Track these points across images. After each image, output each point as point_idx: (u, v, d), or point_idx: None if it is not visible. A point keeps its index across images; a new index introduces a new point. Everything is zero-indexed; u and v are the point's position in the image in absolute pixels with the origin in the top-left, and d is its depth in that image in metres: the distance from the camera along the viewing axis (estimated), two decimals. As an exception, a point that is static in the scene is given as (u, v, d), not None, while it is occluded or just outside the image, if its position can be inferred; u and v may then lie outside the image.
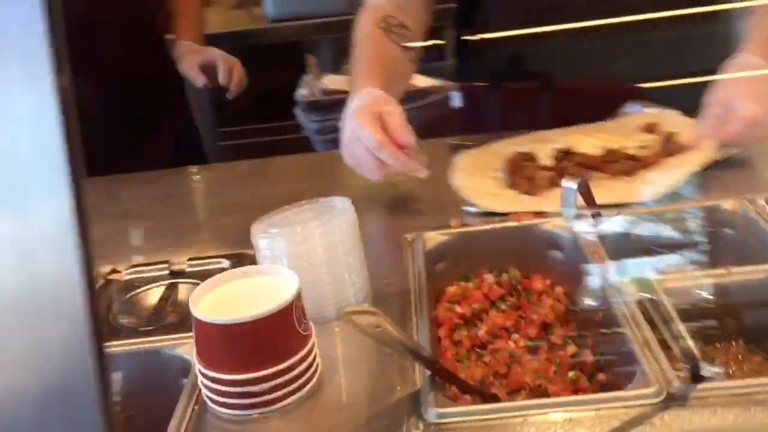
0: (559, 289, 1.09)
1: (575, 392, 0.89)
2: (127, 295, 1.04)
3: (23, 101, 0.28)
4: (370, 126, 1.12)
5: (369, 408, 0.75)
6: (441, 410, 0.72)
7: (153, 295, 1.04)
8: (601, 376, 0.91)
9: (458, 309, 1.07)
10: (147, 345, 0.89)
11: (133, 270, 1.10)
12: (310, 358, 0.77)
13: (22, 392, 0.35)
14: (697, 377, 0.71)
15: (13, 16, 0.27)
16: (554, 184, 1.18)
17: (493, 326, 1.05)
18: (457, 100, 1.59)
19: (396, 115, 1.14)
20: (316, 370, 0.79)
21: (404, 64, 1.38)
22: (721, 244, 1.08)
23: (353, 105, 1.19)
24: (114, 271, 1.10)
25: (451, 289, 1.10)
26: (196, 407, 0.78)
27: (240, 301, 0.78)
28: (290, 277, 0.79)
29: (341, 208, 0.94)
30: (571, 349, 0.99)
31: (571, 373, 0.93)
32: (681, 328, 0.69)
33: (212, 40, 2.85)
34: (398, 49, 1.36)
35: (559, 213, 1.02)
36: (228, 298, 0.78)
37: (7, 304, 0.33)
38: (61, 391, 0.33)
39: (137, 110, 1.78)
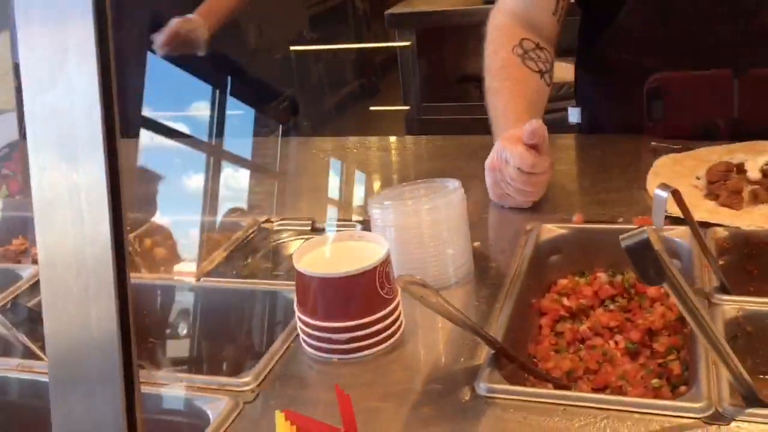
0: (672, 300, 1.08)
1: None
2: (272, 244, 1.21)
3: (79, 74, 0.40)
4: (515, 145, 1.14)
5: (431, 372, 0.83)
6: (491, 385, 0.78)
7: (292, 246, 1.19)
8: (684, 389, 0.90)
9: (565, 301, 1.10)
10: (271, 287, 1.04)
11: (282, 222, 1.26)
12: (390, 320, 0.87)
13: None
14: (749, 401, 0.70)
15: (72, 17, 0.40)
16: (760, 200, 1.12)
17: (597, 324, 1.06)
18: (575, 115, 1.55)
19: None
20: (395, 331, 0.88)
21: (542, 90, 1.35)
22: None
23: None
24: (268, 220, 1.27)
25: (563, 282, 1.13)
26: (292, 344, 0.91)
27: (337, 260, 0.89)
28: (383, 245, 0.89)
29: (452, 188, 1.01)
30: (672, 358, 0.99)
31: (654, 381, 0.93)
32: (730, 352, 0.68)
33: (425, 16, 3.08)
34: (536, 76, 1.34)
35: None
36: (329, 256, 0.90)
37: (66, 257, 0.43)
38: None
39: None
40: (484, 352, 0.84)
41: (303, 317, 0.87)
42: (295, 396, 0.82)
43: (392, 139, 1.75)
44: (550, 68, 1.38)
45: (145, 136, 1.44)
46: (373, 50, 5.24)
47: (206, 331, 1.01)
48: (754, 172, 1.15)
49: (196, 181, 1.45)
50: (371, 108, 4.42)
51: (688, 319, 0.66)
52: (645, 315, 1.05)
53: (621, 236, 0.61)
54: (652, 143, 1.42)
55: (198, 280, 1.08)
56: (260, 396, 0.82)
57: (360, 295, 0.84)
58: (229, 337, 1.00)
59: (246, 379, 0.83)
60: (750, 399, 0.71)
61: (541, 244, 1.12)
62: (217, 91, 1.86)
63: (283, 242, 1.21)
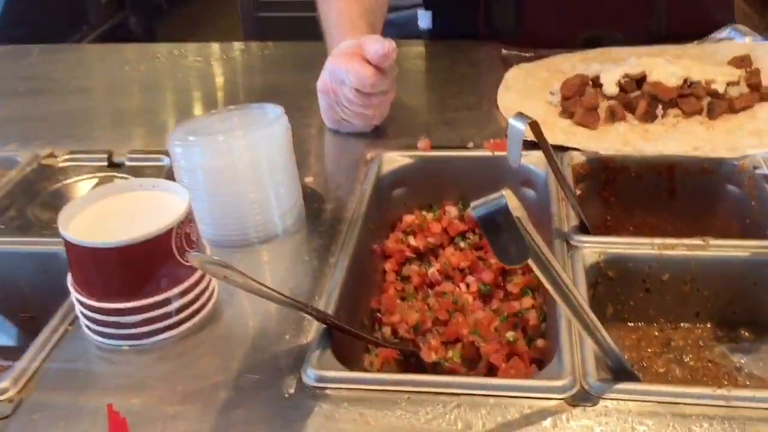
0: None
1: (510, 355, 0.80)
2: (56, 185, 0.97)
3: None
4: (350, 61, 0.95)
5: (247, 358, 0.66)
6: (320, 372, 0.63)
7: (81, 188, 0.97)
8: (541, 342, 0.81)
9: (412, 241, 0.97)
10: (48, 247, 0.82)
11: (70, 156, 1.03)
12: (194, 293, 0.69)
13: None
14: (617, 373, 0.61)
15: None
16: (618, 117, 1.02)
17: (447, 265, 0.95)
18: (425, 20, 1.39)
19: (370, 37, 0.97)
20: (203, 306, 0.71)
21: None
22: (724, 203, 0.93)
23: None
24: (51, 155, 1.03)
25: (408, 218, 1.00)
26: (70, 327, 0.71)
27: (121, 219, 0.69)
28: (182, 197, 0.70)
29: (273, 117, 0.82)
30: (527, 301, 0.89)
31: (509, 334, 0.83)
32: (600, 327, 0.57)
33: None
34: None
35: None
36: (110, 215, 0.70)
37: None
38: None
39: None
40: (314, 325, 0.69)
41: (80, 297, 0.67)
42: (72, 404, 0.63)
43: (215, 46, 1.50)
44: None
45: None
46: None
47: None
48: (610, 86, 1.05)
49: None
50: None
51: (556, 297, 0.54)
52: (498, 252, 0.94)
53: (472, 203, 0.47)
54: (503, 51, 1.28)
55: (-49, 241, 0.84)
56: (21, 407, 0.62)
57: (152, 266, 0.66)
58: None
59: (2, 384, 0.63)
60: (618, 371, 0.61)
61: (384, 176, 0.98)
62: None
63: (72, 183, 0.98)
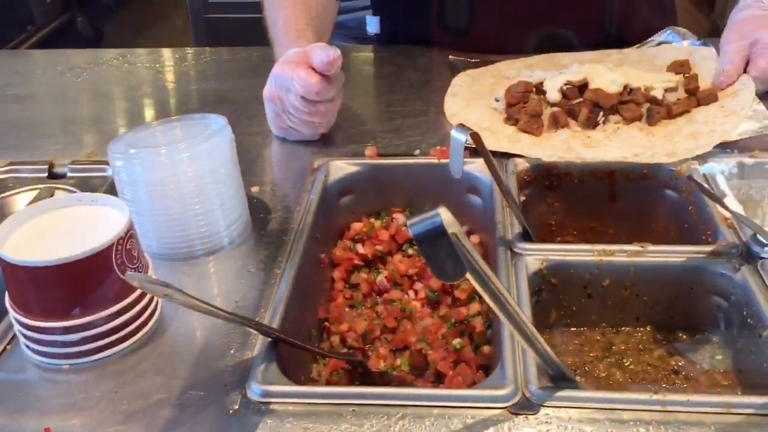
0: (474, 238, 0.99)
1: (457, 362, 0.81)
2: (-6, 198, 0.95)
3: None
4: (296, 70, 0.95)
5: (191, 374, 0.66)
6: (265, 387, 0.63)
7: (20, 202, 0.94)
8: (487, 349, 0.82)
9: (360, 249, 0.98)
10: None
11: (9, 168, 1.00)
12: (135, 310, 0.68)
13: None
14: (557, 380, 0.62)
15: None
16: (560, 124, 1.03)
17: (395, 272, 0.95)
18: (373, 25, 1.40)
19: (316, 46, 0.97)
20: (144, 323, 0.70)
21: (329, 2, 1.17)
22: (663, 208, 0.96)
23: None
24: (-11, 167, 1.00)
25: (357, 226, 1.00)
26: (8, 346, 0.70)
27: (60, 236, 0.67)
28: (123, 212, 0.69)
29: (216, 128, 0.82)
30: (474, 307, 0.90)
31: (456, 341, 0.84)
32: (540, 338, 0.58)
33: None
34: None
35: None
36: (48, 231, 0.68)
37: None
38: None
39: None
40: (260, 338, 0.69)
41: (18, 316, 0.66)
42: (10, 426, 0.62)
43: (166, 52, 1.48)
44: None
45: None
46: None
47: None
48: (553, 93, 1.06)
49: None
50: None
51: (495, 310, 0.54)
52: (445, 259, 0.95)
53: (408, 221, 0.47)
54: (450, 57, 1.30)
55: None
56: (-44, 433, 0.61)
57: (92, 283, 0.65)
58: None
59: (-65, 410, 0.62)
60: (558, 378, 0.62)
61: (331, 185, 0.98)
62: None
63: (11, 196, 0.96)
